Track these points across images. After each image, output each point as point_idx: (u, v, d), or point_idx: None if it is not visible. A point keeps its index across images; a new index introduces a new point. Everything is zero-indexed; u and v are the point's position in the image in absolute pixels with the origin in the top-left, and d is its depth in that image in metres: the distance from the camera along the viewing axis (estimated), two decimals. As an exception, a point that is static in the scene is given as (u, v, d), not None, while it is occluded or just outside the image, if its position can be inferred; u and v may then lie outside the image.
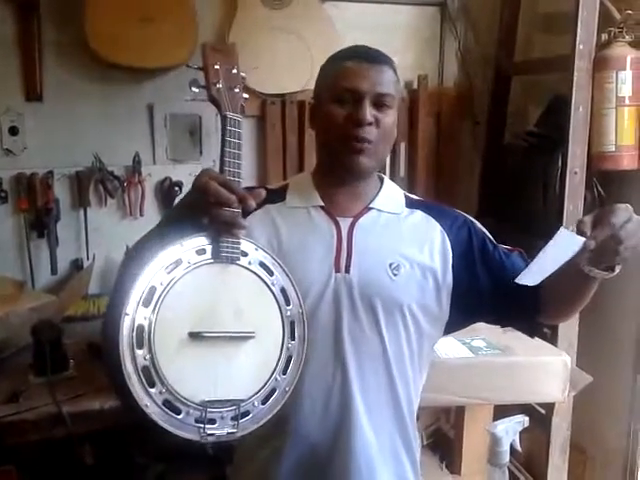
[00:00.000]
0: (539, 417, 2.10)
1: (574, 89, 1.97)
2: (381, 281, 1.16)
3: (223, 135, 1.02)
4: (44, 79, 2.18)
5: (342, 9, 2.44)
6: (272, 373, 1.00)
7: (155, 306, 0.91)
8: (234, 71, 1.05)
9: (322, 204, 1.21)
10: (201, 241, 0.96)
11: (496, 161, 2.50)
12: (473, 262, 1.23)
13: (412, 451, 1.25)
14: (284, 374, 1.02)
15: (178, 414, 0.92)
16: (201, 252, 0.96)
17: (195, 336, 0.93)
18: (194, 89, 1.03)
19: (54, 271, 2.21)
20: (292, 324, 1.04)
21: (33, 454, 1.55)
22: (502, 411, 1.96)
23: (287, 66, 2.34)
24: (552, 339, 2.04)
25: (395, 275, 1.16)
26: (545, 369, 1.84)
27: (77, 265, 2.26)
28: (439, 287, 1.20)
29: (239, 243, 0.99)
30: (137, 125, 2.31)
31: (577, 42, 1.95)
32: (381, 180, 1.28)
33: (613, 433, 2.23)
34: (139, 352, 0.89)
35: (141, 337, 0.89)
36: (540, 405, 2.11)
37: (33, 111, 2.19)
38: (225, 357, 0.96)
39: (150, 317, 0.90)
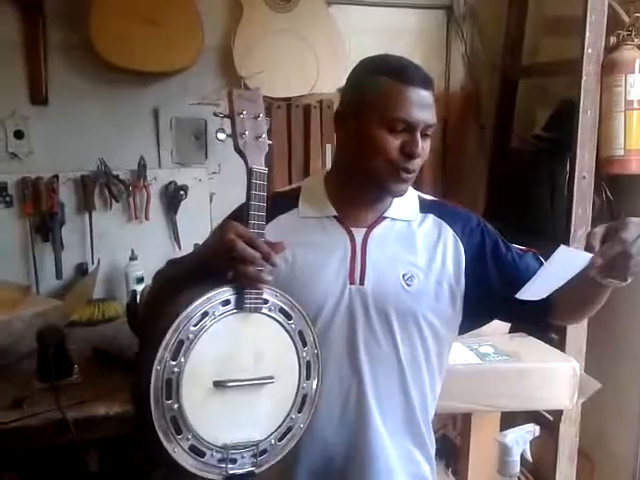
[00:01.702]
0: (547, 424, 2.08)
1: (582, 93, 1.96)
2: (395, 292, 1.15)
3: (249, 188, 1.02)
4: (49, 83, 2.19)
5: (348, 12, 2.44)
6: (288, 413, 1.05)
7: (183, 359, 0.95)
8: (259, 119, 1.05)
9: (336, 214, 1.19)
10: (226, 293, 0.99)
11: (503, 165, 2.49)
12: (486, 265, 1.22)
13: (428, 455, 1.25)
14: (299, 412, 1.06)
15: (202, 457, 0.98)
16: (225, 303, 0.99)
17: (219, 385, 0.98)
18: (220, 136, 1.05)
19: (59, 275, 2.21)
20: (308, 365, 1.07)
21: (37, 460, 1.54)
22: (509, 418, 1.95)
23: (293, 70, 2.33)
24: (560, 345, 2.02)
25: (409, 285, 1.16)
26: (553, 376, 1.82)
27: (82, 269, 2.26)
28: (453, 292, 1.20)
29: (262, 294, 1.01)
30: (142, 129, 2.31)
31: (585, 45, 1.93)
32: None
33: (621, 440, 2.21)
34: (167, 402, 0.94)
35: (170, 389, 0.94)
36: (548, 412, 2.09)
37: (38, 115, 2.19)
38: (247, 402, 1.01)
39: (177, 370, 0.95)
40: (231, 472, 1.00)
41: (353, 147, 1.15)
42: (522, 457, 1.75)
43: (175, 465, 0.96)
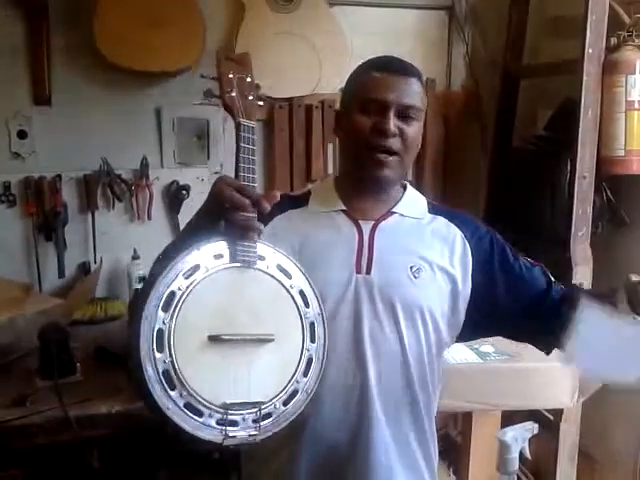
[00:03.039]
0: (548, 423, 2.08)
1: (583, 93, 1.96)
2: (402, 283, 1.16)
3: (237, 141, 1.03)
4: (52, 83, 2.19)
5: (350, 13, 2.45)
6: (293, 375, 1.01)
7: (174, 311, 0.92)
8: (248, 79, 1.07)
9: (344, 208, 1.22)
10: (218, 246, 0.97)
11: (504, 165, 2.49)
12: (493, 272, 1.23)
13: (429, 453, 1.25)
14: (305, 376, 1.02)
15: (199, 416, 0.93)
16: (219, 257, 0.97)
17: (215, 339, 0.94)
18: (209, 99, 1.05)
19: (61, 274, 2.22)
20: (312, 326, 1.04)
21: (40, 458, 1.55)
22: (510, 417, 1.95)
23: (295, 70, 2.34)
24: (561, 344, 2.02)
25: (416, 277, 1.16)
26: (554, 375, 1.83)
27: (84, 268, 2.27)
28: (456, 294, 1.20)
29: (255, 246, 0.99)
30: (145, 129, 2.32)
31: (586, 46, 1.94)
32: (404, 187, 1.28)
33: (622, 440, 2.21)
34: (159, 356, 0.90)
35: (161, 341, 0.91)
36: (549, 411, 2.10)
37: (41, 115, 2.20)
38: (245, 360, 0.97)
39: (169, 321, 0.92)
40: (231, 435, 0.94)
41: (344, 139, 1.23)
42: (522, 455, 1.75)
43: (170, 424, 0.91)
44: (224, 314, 0.96)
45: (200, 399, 0.93)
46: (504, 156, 2.50)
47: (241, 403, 0.96)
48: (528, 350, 1.86)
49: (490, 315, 1.24)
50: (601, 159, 2.00)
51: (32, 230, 2.20)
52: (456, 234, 1.23)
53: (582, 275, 2.02)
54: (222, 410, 0.94)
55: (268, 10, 2.29)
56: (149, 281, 0.97)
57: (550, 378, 1.82)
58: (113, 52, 2.10)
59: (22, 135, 2.19)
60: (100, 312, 2.19)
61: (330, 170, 2.45)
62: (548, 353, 1.31)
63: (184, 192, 2.33)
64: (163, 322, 0.91)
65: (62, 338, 1.67)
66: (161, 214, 2.35)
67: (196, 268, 0.95)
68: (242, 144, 1.03)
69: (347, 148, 1.23)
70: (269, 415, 0.98)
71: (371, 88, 1.15)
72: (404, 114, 1.14)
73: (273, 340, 0.99)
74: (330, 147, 2.46)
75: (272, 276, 1.01)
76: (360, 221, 1.20)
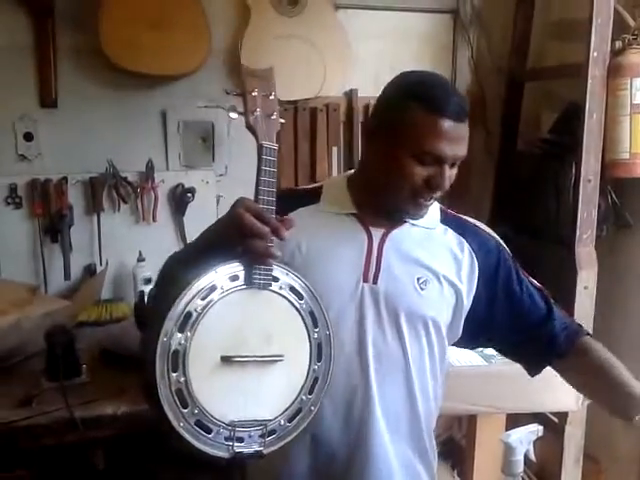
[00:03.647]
0: (552, 426, 2.08)
1: (588, 96, 1.96)
2: (407, 294, 1.16)
3: (259, 164, 1.02)
4: (59, 85, 2.21)
5: (355, 16, 2.45)
6: (298, 394, 1.04)
7: (190, 332, 0.95)
8: (271, 97, 1.06)
9: (355, 212, 1.20)
10: (234, 268, 0.99)
11: (509, 168, 2.49)
12: (495, 290, 1.23)
13: (429, 463, 1.25)
14: (310, 394, 1.05)
15: (209, 433, 0.97)
16: (234, 278, 0.99)
17: (226, 360, 0.98)
18: (232, 115, 1.05)
19: (67, 276, 2.23)
20: (319, 346, 1.06)
21: (46, 458, 1.55)
22: (515, 420, 1.95)
23: (300, 73, 2.34)
24: (566, 347, 2.02)
25: (422, 289, 1.16)
26: (559, 378, 1.82)
27: (90, 270, 2.28)
28: (460, 307, 1.20)
29: (271, 270, 1.01)
30: (150, 131, 2.32)
31: (591, 49, 1.94)
32: None
33: (627, 443, 2.21)
34: (173, 375, 0.94)
35: (176, 361, 0.94)
36: (554, 414, 2.09)
37: (47, 117, 2.21)
38: (254, 379, 1.00)
39: (184, 342, 0.95)
40: (238, 450, 0.98)
41: (380, 165, 1.15)
42: (527, 458, 1.75)
43: (180, 440, 0.95)
44: (237, 335, 0.99)
45: (210, 417, 0.97)
46: (509, 160, 2.51)
47: (248, 421, 0.99)
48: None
49: (484, 328, 1.24)
50: (606, 162, 2.00)
51: (38, 232, 2.21)
52: (465, 248, 1.22)
53: (587, 278, 2.01)
54: (230, 427, 0.98)
55: (273, 13, 2.30)
56: (164, 294, 0.99)
57: (555, 381, 1.81)
58: (119, 55, 2.11)
59: (28, 137, 2.20)
60: (105, 314, 2.20)
61: (335, 173, 2.46)
62: (533, 375, 1.30)
63: (189, 194, 2.34)
64: (179, 343, 0.94)
65: (68, 340, 1.67)
66: (166, 216, 2.35)
67: (212, 289, 0.97)
68: (263, 167, 1.02)
69: (385, 182, 1.14)
70: (274, 431, 1.02)
71: (430, 139, 1.07)
72: (455, 163, 1.12)
73: (282, 360, 1.02)
74: (335, 150, 2.46)
75: (284, 297, 1.04)
76: (371, 227, 1.19)
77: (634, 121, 1.94)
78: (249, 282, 0.99)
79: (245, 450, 0.99)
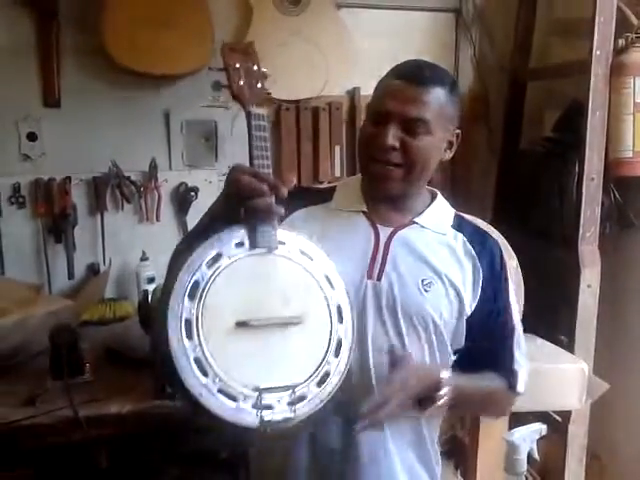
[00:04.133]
0: (555, 425, 2.08)
1: (591, 95, 1.96)
2: (410, 294, 1.15)
3: (249, 130, 1.04)
4: (62, 85, 2.21)
5: (357, 15, 2.45)
6: (324, 357, 1.01)
7: (200, 299, 0.94)
8: (255, 68, 1.08)
9: (365, 210, 1.21)
10: (239, 234, 0.99)
11: (512, 167, 2.49)
12: (483, 299, 1.20)
13: (430, 465, 1.24)
14: (336, 357, 1.02)
15: (234, 401, 0.93)
16: (239, 245, 0.98)
17: (242, 325, 0.96)
18: (216, 93, 1.08)
19: (71, 276, 2.23)
20: (339, 308, 1.04)
21: (50, 457, 1.56)
22: (517, 419, 1.95)
23: (302, 72, 2.34)
24: (569, 346, 2.02)
25: (426, 291, 1.15)
26: (562, 376, 1.83)
27: (94, 270, 2.28)
28: (462, 314, 1.19)
29: (275, 231, 1.00)
30: (154, 131, 2.33)
31: (594, 48, 1.94)
32: (433, 196, 1.26)
33: (631, 441, 2.21)
34: (189, 344, 0.92)
35: (189, 329, 0.92)
36: (556, 413, 2.09)
37: (51, 117, 2.21)
38: (277, 344, 0.98)
39: (195, 310, 0.93)
40: (266, 419, 0.94)
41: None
42: (530, 456, 1.75)
43: (204, 412, 0.91)
44: (250, 300, 0.97)
45: (233, 384, 0.93)
46: (512, 158, 2.51)
47: (275, 387, 0.96)
48: (536, 352, 1.88)
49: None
50: (609, 161, 2.00)
51: (42, 231, 2.21)
52: (472, 258, 1.20)
53: (590, 276, 2.01)
54: (256, 394, 0.94)
55: (276, 12, 2.30)
56: (172, 274, 0.98)
57: (558, 380, 1.82)
58: (122, 55, 2.11)
59: (32, 137, 2.20)
60: (109, 313, 2.20)
61: (337, 173, 2.46)
62: None
63: (192, 194, 2.34)
64: (190, 311, 0.93)
65: (72, 339, 1.68)
66: (170, 216, 2.36)
67: (218, 257, 0.96)
68: (254, 132, 1.03)
69: (358, 157, 1.21)
70: (303, 397, 0.98)
71: (381, 97, 1.13)
72: (410, 127, 1.10)
73: (300, 323, 1.00)
74: (337, 149, 2.46)
75: (294, 261, 1.02)
76: (379, 226, 1.19)
77: (637, 119, 1.94)
78: (254, 245, 0.98)
79: (274, 418, 0.95)
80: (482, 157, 2.64)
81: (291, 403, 0.97)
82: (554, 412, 2.09)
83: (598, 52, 1.95)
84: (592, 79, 1.95)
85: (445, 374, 1.06)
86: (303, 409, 0.98)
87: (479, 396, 1.16)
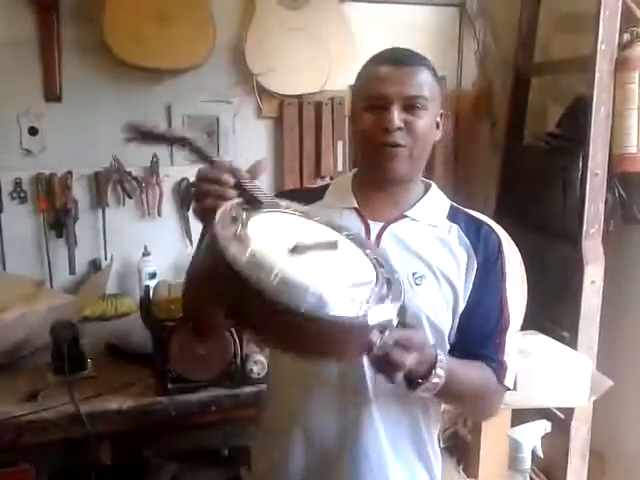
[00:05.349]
0: (558, 422, 2.08)
1: (595, 90, 1.95)
2: None
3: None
4: (63, 80, 2.20)
5: (360, 10, 2.44)
6: (375, 267, 0.97)
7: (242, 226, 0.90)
8: None
9: (356, 206, 1.20)
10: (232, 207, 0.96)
11: (515, 162, 2.48)
12: (477, 288, 1.19)
13: (426, 452, 1.23)
14: (382, 267, 0.98)
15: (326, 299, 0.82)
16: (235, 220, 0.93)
17: (296, 250, 0.90)
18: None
19: (72, 271, 2.23)
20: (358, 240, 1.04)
21: (51, 453, 1.56)
22: (520, 416, 1.94)
23: (304, 67, 2.33)
24: (572, 343, 2.01)
25: (417, 285, 1.14)
26: (565, 373, 1.82)
27: (95, 265, 2.28)
28: (456, 306, 1.17)
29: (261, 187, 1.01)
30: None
31: (598, 42, 1.93)
32: (426, 188, 1.26)
33: (633, 438, 2.21)
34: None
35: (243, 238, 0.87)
36: (559, 410, 2.09)
37: (52, 111, 2.21)
38: (333, 261, 0.95)
39: (243, 229, 0.89)
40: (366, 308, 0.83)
41: (354, 137, 1.24)
42: (533, 453, 1.75)
43: (308, 315, 0.79)
44: (286, 237, 0.93)
45: (317, 285, 0.83)
46: (515, 154, 2.50)
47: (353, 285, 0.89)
48: (538, 348, 1.87)
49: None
50: (613, 156, 1.99)
51: (43, 227, 2.21)
52: (468, 251, 1.18)
53: (594, 272, 2.01)
54: (347, 288, 0.87)
55: (278, 6, 2.29)
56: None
57: (561, 376, 1.82)
58: (123, 49, 2.10)
59: (33, 132, 2.20)
60: (110, 309, 2.21)
61: (340, 168, 2.45)
62: None
63: (194, 189, 2.33)
64: (237, 230, 0.88)
65: (73, 334, 1.68)
66: (171, 211, 2.35)
67: (235, 219, 0.92)
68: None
69: (358, 146, 1.22)
70: (383, 297, 0.89)
71: (373, 83, 1.14)
72: (410, 106, 1.12)
73: (337, 248, 0.96)
74: (340, 144, 2.45)
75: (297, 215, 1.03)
76: (370, 221, 1.19)
77: (642, 115, 1.93)
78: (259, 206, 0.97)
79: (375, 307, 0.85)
80: (485, 152, 2.63)
81: (382, 298, 0.88)
82: (557, 409, 2.09)
83: (603, 47, 1.93)
84: (596, 74, 1.94)
85: (441, 354, 1.04)
86: (396, 295, 0.91)
87: (469, 384, 1.14)
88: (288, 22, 2.29)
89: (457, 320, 1.18)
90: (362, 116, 1.15)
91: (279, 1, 2.29)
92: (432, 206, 1.23)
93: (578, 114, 2.11)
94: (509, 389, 1.21)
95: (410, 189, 1.22)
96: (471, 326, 1.18)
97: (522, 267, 1.88)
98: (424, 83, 1.14)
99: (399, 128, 1.12)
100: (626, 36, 1.95)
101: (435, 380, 1.02)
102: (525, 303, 1.88)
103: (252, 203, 0.99)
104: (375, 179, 1.20)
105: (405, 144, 1.13)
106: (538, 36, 2.46)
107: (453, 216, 1.23)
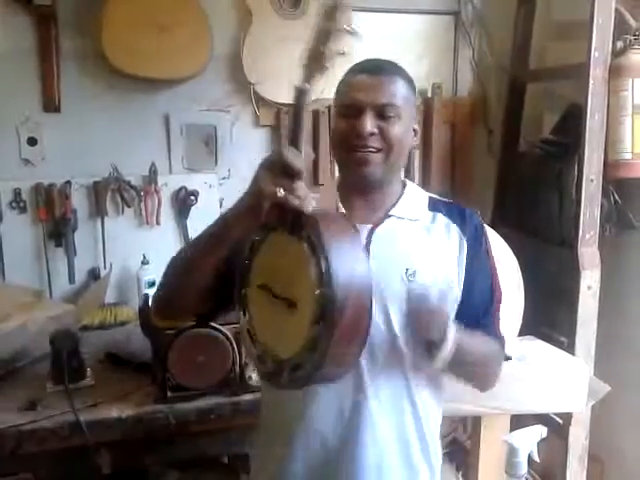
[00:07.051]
0: (556, 427, 2.08)
1: (589, 97, 1.96)
2: (395, 285, 1.16)
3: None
4: (62, 90, 2.21)
5: (356, 18, 2.43)
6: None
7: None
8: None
9: (343, 211, 1.22)
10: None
11: (511, 169, 2.50)
12: (469, 271, 1.22)
13: (428, 455, 1.24)
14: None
15: None
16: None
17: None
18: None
19: (72, 280, 2.23)
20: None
21: (51, 462, 1.56)
22: (519, 421, 1.95)
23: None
24: (569, 348, 2.02)
25: (410, 281, 1.16)
26: (563, 379, 1.83)
27: (94, 274, 2.28)
28: (452, 293, 1.19)
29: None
30: (153, 135, 2.33)
31: (592, 50, 1.95)
32: (404, 186, 1.29)
33: (631, 443, 2.21)
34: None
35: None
36: (557, 415, 2.09)
37: (51, 122, 2.22)
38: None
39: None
40: None
41: (330, 143, 1.31)
42: (530, 458, 1.75)
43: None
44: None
45: None
46: (511, 160, 2.51)
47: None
48: (536, 353, 1.88)
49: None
50: (608, 162, 2.00)
51: (42, 236, 2.21)
52: (455, 235, 1.23)
53: (590, 278, 2.02)
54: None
55: (275, 16, 2.30)
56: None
57: (559, 382, 1.82)
58: (121, 59, 2.12)
59: (32, 142, 2.21)
60: (110, 317, 2.21)
61: (337, 175, 2.45)
62: None
63: (192, 198, 2.34)
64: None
65: (73, 343, 1.68)
66: (170, 219, 2.36)
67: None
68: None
69: (334, 153, 1.26)
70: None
71: (348, 91, 1.19)
72: (382, 113, 1.16)
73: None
74: (337, 152, 2.46)
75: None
76: (358, 224, 1.19)
77: (636, 121, 1.95)
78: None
79: None
80: (482, 159, 2.65)
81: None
82: (555, 414, 2.09)
83: (596, 54, 1.95)
84: (590, 81, 1.96)
85: (452, 322, 1.10)
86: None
87: (479, 352, 1.18)
88: (285, 32, 2.30)
89: (455, 305, 1.20)
90: (336, 123, 1.20)
91: (276, 11, 2.30)
92: (413, 201, 1.26)
93: (573, 121, 2.13)
94: (509, 358, 1.25)
95: (390, 190, 1.25)
96: (469, 304, 1.21)
97: (519, 273, 1.89)
98: (397, 92, 1.18)
99: (372, 133, 1.15)
100: (619, 44, 1.97)
101: (448, 348, 1.07)
102: (522, 309, 1.89)
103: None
104: (355, 184, 1.23)
105: (380, 147, 1.16)
106: (533, 44, 2.48)
107: (433, 205, 1.27)
